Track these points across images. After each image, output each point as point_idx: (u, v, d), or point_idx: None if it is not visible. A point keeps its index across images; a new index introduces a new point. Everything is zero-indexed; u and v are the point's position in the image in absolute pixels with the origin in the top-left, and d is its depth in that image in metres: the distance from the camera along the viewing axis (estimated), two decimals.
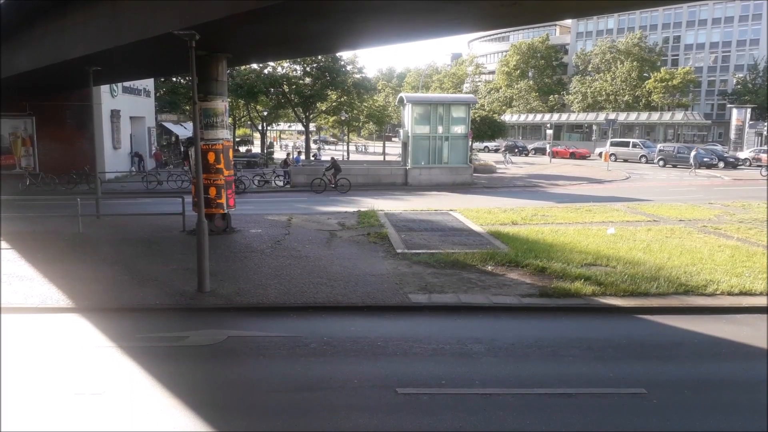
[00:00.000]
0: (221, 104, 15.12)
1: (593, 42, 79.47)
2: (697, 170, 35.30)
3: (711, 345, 8.13)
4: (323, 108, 49.58)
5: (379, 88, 73.65)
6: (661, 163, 40.90)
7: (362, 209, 19.29)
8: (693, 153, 36.51)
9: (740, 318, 9.18)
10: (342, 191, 25.28)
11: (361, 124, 62.53)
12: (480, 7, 10.20)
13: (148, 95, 36.26)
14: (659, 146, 43.91)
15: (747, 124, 49.86)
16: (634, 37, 72.00)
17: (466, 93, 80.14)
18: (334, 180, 25.81)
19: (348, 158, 48.52)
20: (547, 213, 18.46)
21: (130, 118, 33.70)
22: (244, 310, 9.45)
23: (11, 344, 7.93)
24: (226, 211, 15.49)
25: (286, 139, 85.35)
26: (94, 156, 19.89)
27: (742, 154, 43.29)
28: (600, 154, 47.26)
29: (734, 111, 51.43)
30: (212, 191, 14.96)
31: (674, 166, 39.75)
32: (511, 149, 53.50)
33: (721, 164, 39.23)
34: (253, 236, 15.05)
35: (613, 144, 46.28)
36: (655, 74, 66.06)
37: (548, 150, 50.28)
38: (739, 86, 67.33)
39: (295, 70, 46.36)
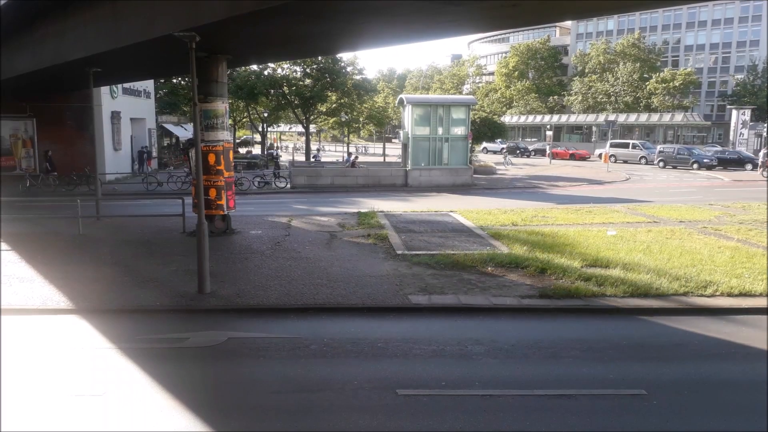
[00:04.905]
0: (221, 105, 15.14)
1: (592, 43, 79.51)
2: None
3: (711, 346, 8.14)
4: (323, 109, 49.60)
5: (380, 89, 73.69)
6: (661, 164, 40.88)
7: (362, 210, 19.29)
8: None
9: (740, 319, 9.19)
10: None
11: (361, 125, 62.57)
12: (480, 8, 10.22)
13: (149, 96, 36.27)
14: (659, 147, 43.89)
15: (740, 125, 49.73)
16: (632, 38, 72.02)
17: (466, 94, 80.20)
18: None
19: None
20: (547, 214, 18.47)
21: (131, 119, 33.71)
22: (245, 312, 9.46)
23: (12, 345, 7.94)
24: (226, 213, 15.50)
25: (286, 141, 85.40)
26: (94, 157, 19.89)
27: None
28: (600, 156, 47.27)
29: (734, 112, 51.40)
30: (212, 192, 14.97)
31: (674, 167, 39.75)
32: (512, 150, 53.48)
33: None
34: (253, 237, 15.06)
35: (612, 145, 46.30)
36: (657, 75, 66.04)
37: (548, 151, 50.30)
38: (738, 87, 67.32)
39: (296, 71, 46.40)
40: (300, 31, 12.47)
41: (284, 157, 47.97)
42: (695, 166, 38.87)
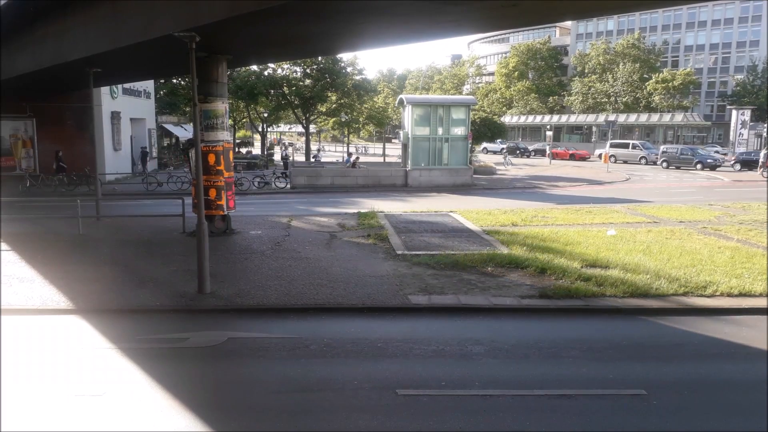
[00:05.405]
0: (221, 106, 15.14)
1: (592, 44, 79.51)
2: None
3: (711, 346, 8.14)
4: (323, 109, 49.61)
5: (380, 89, 73.68)
6: (665, 164, 40.76)
7: (362, 210, 19.29)
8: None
9: (740, 319, 9.19)
10: None
11: (361, 125, 62.58)
12: (479, 8, 10.22)
13: (148, 97, 36.28)
14: (662, 148, 43.80)
15: (740, 125, 49.62)
16: (632, 38, 72.03)
17: (466, 94, 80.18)
18: None
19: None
20: (547, 214, 18.47)
21: (131, 119, 33.71)
22: (245, 312, 9.46)
23: (12, 345, 7.94)
24: (226, 213, 15.50)
25: (285, 140, 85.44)
26: (94, 157, 19.90)
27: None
28: (600, 156, 47.26)
29: (734, 112, 51.38)
30: (212, 193, 14.97)
31: (677, 168, 39.64)
32: (512, 151, 53.47)
33: (738, 166, 39.00)
34: (253, 238, 15.06)
35: (612, 145, 46.26)
36: (657, 75, 66.07)
37: (548, 151, 50.31)
38: (738, 88, 67.35)
39: (296, 71, 46.42)
40: (300, 31, 12.47)
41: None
42: (699, 166, 38.75)
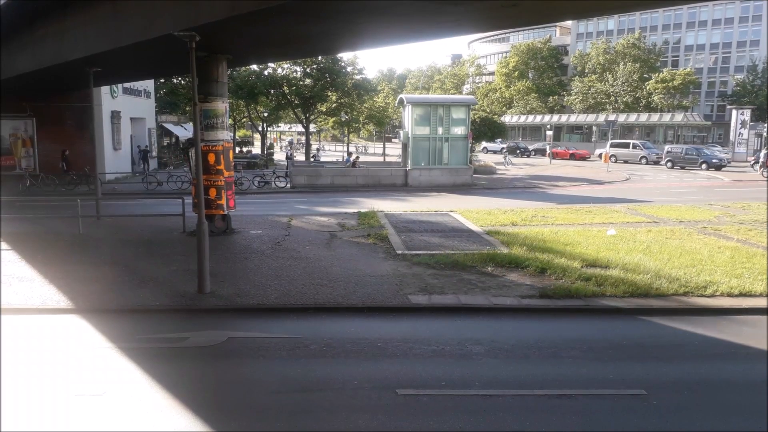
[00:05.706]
0: (221, 105, 15.14)
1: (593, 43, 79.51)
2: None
3: (711, 346, 8.15)
4: (323, 109, 49.60)
5: (380, 89, 73.62)
6: (669, 164, 40.64)
7: (362, 210, 19.29)
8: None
9: (740, 319, 9.20)
10: None
11: (361, 125, 62.57)
12: (479, 8, 10.22)
13: (149, 96, 36.27)
14: (667, 147, 43.70)
15: (739, 125, 49.51)
16: (632, 38, 72.03)
17: (466, 94, 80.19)
18: None
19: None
20: (547, 214, 18.47)
21: (131, 119, 33.70)
22: (245, 311, 9.46)
23: (12, 345, 7.94)
24: (226, 212, 15.50)
25: (293, 139, 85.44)
26: (94, 157, 19.91)
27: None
28: (600, 155, 47.23)
29: (734, 112, 51.34)
30: (212, 192, 14.97)
31: (682, 168, 39.53)
32: (512, 150, 53.46)
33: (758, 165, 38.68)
34: (253, 237, 15.06)
35: (613, 145, 46.23)
36: (657, 75, 66.06)
37: (548, 151, 50.30)
38: (738, 88, 67.35)
39: (296, 71, 46.36)
40: (300, 31, 12.47)
41: (279, 156, 47.87)
42: (704, 166, 38.63)
